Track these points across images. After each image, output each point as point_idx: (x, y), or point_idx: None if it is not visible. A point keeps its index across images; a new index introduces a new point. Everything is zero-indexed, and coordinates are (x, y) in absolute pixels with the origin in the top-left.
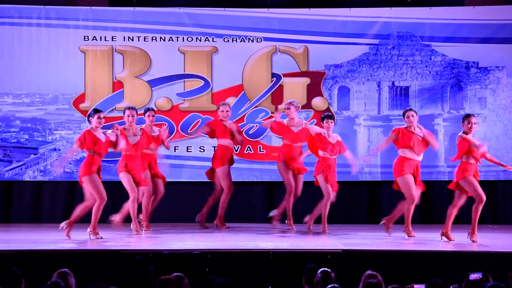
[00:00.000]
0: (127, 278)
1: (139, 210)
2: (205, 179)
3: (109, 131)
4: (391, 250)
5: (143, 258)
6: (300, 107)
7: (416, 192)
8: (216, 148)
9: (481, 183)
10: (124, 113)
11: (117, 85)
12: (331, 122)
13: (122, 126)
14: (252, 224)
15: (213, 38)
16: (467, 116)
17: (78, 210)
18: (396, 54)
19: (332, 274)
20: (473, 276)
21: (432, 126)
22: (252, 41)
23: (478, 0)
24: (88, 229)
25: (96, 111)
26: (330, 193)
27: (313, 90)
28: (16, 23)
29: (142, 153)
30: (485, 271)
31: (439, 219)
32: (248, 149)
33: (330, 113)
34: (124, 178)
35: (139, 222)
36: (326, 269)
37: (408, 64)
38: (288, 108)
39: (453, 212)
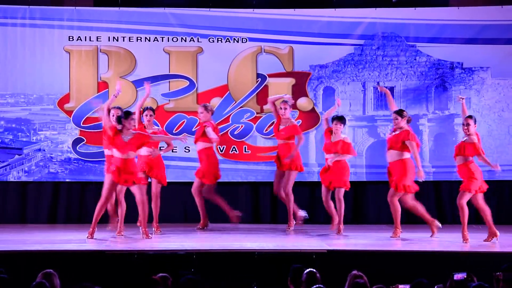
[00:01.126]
0: (112, 279)
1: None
2: (190, 179)
3: None
4: (376, 250)
5: (128, 258)
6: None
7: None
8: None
9: None
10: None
11: (102, 85)
12: (338, 124)
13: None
14: (237, 224)
15: (198, 38)
16: None
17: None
18: (381, 54)
19: (318, 275)
20: (458, 276)
21: (417, 127)
22: (237, 42)
23: (462, 0)
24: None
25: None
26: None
27: (298, 91)
28: (0, 23)
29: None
30: (470, 272)
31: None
32: (233, 149)
33: (340, 115)
34: None
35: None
36: (312, 269)
37: (393, 64)
38: (286, 108)
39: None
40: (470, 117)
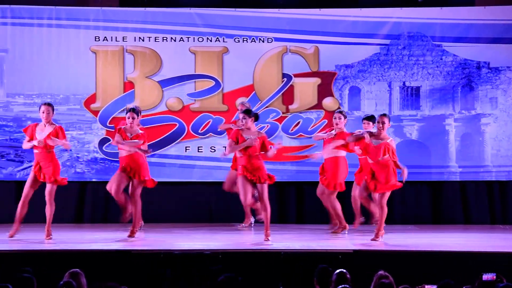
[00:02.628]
0: (138, 278)
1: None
2: (216, 179)
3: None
4: (402, 250)
5: (154, 258)
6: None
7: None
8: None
9: (492, 183)
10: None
11: (128, 85)
12: (367, 123)
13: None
14: (262, 224)
15: (223, 38)
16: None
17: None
18: (407, 54)
19: (348, 275)
20: (486, 276)
21: (443, 127)
22: (263, 42)
23: (489, 0)
24: None
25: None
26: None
27: (324, 90)
28: (27, 23)
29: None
30: (497, 272)
31: (450, 219)
32: None
33: (370, 115)
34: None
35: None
36: (342, 270)
37: (419, 64)
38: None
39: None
40: (384, 115)
